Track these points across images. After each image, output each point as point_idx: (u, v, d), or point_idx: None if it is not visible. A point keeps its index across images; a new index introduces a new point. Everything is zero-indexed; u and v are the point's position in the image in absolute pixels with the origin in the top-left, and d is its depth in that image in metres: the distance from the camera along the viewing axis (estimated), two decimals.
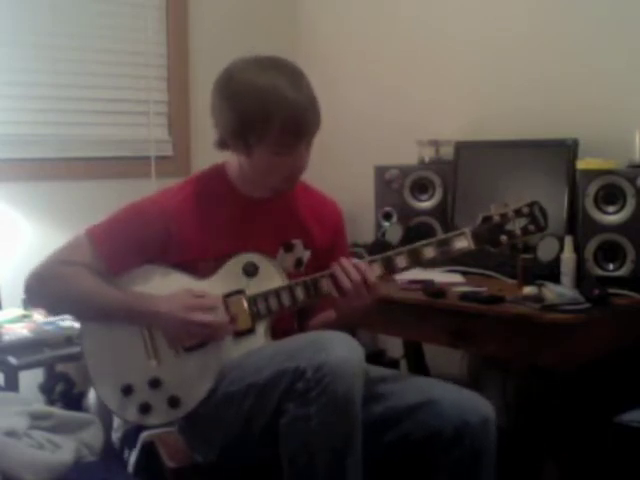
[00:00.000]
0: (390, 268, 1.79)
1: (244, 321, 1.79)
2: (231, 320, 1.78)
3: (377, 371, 1.92)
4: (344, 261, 1.77)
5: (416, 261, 1.79)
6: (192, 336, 1.78)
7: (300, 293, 1.79)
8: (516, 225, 1.80)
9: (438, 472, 1.74)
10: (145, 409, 1.79)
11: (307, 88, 1.79)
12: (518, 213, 1.80)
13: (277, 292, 1.79)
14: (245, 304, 1.79)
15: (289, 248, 1.90)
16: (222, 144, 1.85)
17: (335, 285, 1.76)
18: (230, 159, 1.90)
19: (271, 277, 1.81)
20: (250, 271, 1.81)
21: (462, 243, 1.79)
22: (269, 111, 1.72)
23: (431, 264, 1.84)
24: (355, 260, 1.79)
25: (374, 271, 1.77)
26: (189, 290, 1.78)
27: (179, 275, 1.82)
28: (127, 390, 1.79)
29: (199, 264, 1.83)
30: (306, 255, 1.92)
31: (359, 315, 1.84)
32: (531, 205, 1.80)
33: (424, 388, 1.81)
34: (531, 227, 1.80)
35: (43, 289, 1.84)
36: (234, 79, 1.78)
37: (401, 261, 1.80)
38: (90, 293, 1.80)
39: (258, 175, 1.84)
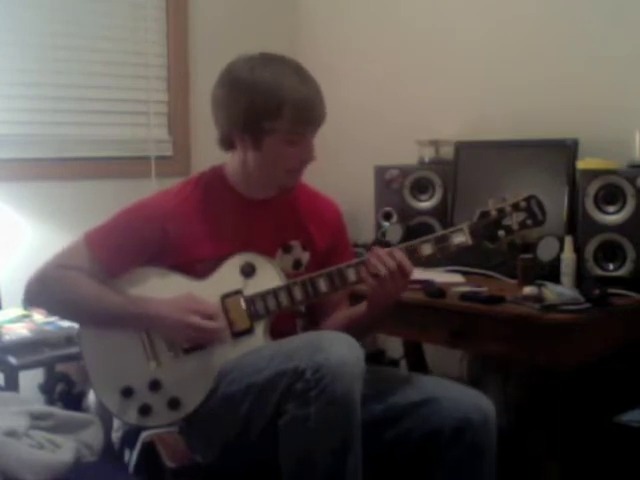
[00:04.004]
0: None
1: (242, 321, 1.79)
2: (231, 329, 1.78)
3: (378, 370, 1.93)
4: (378, 249, 1.77)
5: (414, 258, 1.79)
6: (191, 339, 1.78)
7: (298, 293, 1.79)
8: (514, 220, 1.79)
9: (439, 469, 1.75)
10: (145, 411, 1.79)
11: (313, 79, 1.81)
12: (516, 208, 1.80)
13: (275, 292, 1.79)
14: (243, 304, 1.79)
15: (287, 249, 1.90)
16: (226, 142, 1.85)
17: (370, 272, 1.75)
18: (229, 160, 1.90)
19: (269, 277, 1.81)
20: (247, 271, 1.81)
21: (460, 239, 1.79)
22: (282, 98, 1.74)
23: (430, 261, 1.84)
24: (391, 248, 1.79)
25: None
26: (190, 294, 1.78)
27: (177, 276, 1.83)
28: (127, 392, 1.80)
29: (197, 265, 1.83)
30: (305, 257, 1.92)
31: (390, 305, 1.83)
32: (528, 199, 1.80)
33: (425, 386, 1.82)
34: (529, 221, 1.80)
35: (42, 294, 1.84)
36: (241, 75, 1.79)
37: None
38: (89, 298, 1.80)
39: (266, 168, 1.83)
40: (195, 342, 1.79)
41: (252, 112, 1.76)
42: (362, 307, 1.88)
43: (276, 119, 1.76)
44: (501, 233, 1.79)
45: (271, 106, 1.75)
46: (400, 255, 1.76)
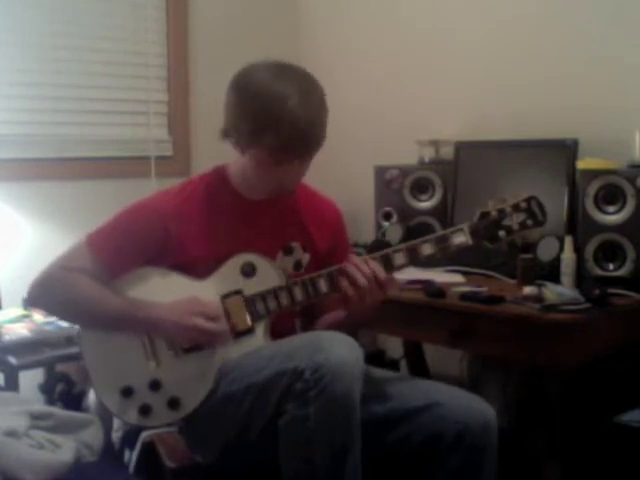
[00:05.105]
0: (389, 265, 1.79)
1: (243, 321, 1.79)
2: (231, 329, 1.78)
3: (380, 372, 1.93)
4: (356, 258, 1.77)
5: (415, 258, 1.79)
6: (193, 342, 1.78)
7: (298, 293, 1.79)
8: (514, 220, 1.80)
9: (440, 470, 1.75)
10: (145, 411, 1.79)
11: (317, 106, 1.76)
12: (516, 208, 1.80)
13: (275, 292, 1.79)
14: (243, 304, 1.79)
15: (288, 251, 1.90)
16: (225, 133, 1.83)
17: (349, 281, 1.75)
18: (232, 162, 1.90)
19: (269, 277, 1.81)
20: (248, 271, 1.81)
21: (460, 239, 1.79)
22: (268, 123, 1.71)
23: (430, 261, 1.84)
24: (366, 257, 1.79)
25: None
26: (193, 297, 1.78)
27: (177, 276, 1.82)
28: (127, 392, 1.79)
29: (198, 265, 1.82)
30: (305, 258, 1.92)
31: (369, 313, 1.84)
32: (528, 200, 1.80)
33: (427, 391, 1.81)
34: (529, 222, 1.80)
35: (44, 296, 1.84)
36: (251, 81, 1.77)
37: (399, 258, 1.79)
38: (90, 300, 1.80)
39: (250, 175, 1.84)
40: (197, 343, 1.78)
41: (241, 123, 1.75)
42: (341, 314, 1.88)
43: (256, 141, 1.74)
44: (501, 233, 1.79)
45: (263, 121, 1.72)
46: (375, 264, 1.75)
